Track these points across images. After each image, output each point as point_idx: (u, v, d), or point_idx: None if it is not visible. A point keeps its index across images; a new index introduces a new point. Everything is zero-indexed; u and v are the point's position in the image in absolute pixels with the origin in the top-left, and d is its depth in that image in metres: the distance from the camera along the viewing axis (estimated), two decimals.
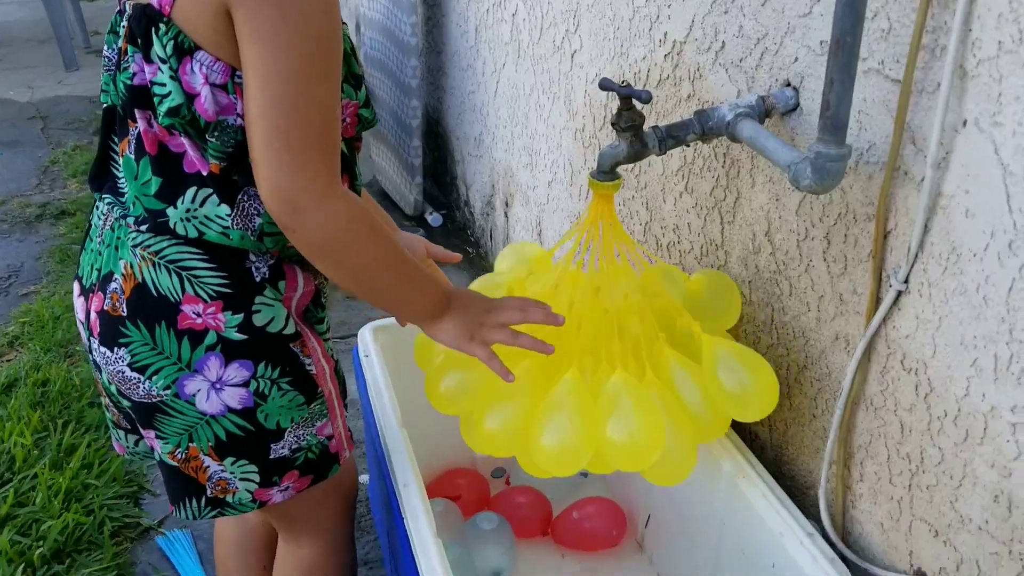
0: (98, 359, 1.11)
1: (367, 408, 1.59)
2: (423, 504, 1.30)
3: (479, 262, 3.04)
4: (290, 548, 1.33)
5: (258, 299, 1.07)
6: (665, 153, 1.26)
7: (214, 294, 1.05)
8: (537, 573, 1.74)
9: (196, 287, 1.04)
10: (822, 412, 1.32)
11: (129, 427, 1.25)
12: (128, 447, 1.29)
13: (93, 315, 1.10)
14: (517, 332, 1.15)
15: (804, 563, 1.23)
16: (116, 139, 1.09)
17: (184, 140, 1.00)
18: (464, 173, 3.14)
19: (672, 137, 1.24)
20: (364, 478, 2.06)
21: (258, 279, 1.07)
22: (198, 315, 1.05)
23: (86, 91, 4.91)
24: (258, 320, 1.07)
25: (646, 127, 1.25)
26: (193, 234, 1.03)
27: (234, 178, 1.02)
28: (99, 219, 1.12)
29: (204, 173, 1.01)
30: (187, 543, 1.92)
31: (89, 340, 1.12)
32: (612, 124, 1.23)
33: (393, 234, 1.43)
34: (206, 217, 1.02)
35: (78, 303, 1.15)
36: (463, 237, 3.20)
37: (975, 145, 0.98)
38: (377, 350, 1.66)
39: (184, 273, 1.04)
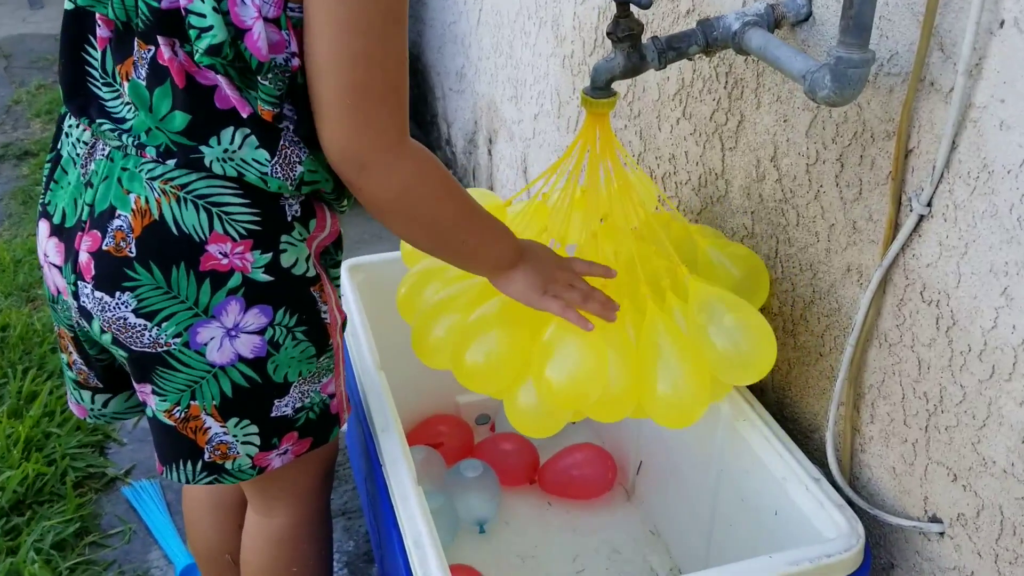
0: (90, 305, 0.98)
1: (344, 351, 1.49)
2: (403, 451, 1.21)
3: None
4: (259, 518, 1.23)
5: (284, 238, 0.97)
6: (664, 67, 1.15)
7: (244, 232, 0.95)
8: (523, 523, 1.66)
9: (227, 224, 0.94)
10: (830, 350, 1.23)
11: (100, 386, 1.14)
12: (92, 409, 1.17)
13: (84, 256, 0.97)
14: (587, 293, 1.12)
15: (809, 510, 1.15)
16: (91, 50, 0.95)
17: (220, 77, 0.89)
18: (445, 110, 3.00)
19: (673, 49, 1.13)
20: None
21: (289, 217, 0.97)
22: (224, 255, 0.95)
23: (51, 29, 4.70)
24: (285, 260, 0.98)
25: (644, 38, 1.13)
26: (232, 173, 0.93)
27: (280, 125, 0.92)
28: (79, 148, 0.99)
29: (244, 115, 0.90)
30: (155, 494, 1.83)
31: (76, 285, 0.99)
32: (608, 34, 1.12)
33: None
34: (243, 161, 0.92)
35: (49, 244, 1.02)
36: None
37: (1013, 48, 0.87)
38: (353, 289, 1.56)
39: (215, 209, 0.93)
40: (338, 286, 1.10)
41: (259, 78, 0.87)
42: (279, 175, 0.93)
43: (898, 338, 1.10)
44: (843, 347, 1.20)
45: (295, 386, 1.04)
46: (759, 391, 1.41)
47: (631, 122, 1.67)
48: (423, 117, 3.29)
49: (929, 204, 1.01)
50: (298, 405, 1.06)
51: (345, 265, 1.61)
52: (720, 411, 1.32)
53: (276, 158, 0.92)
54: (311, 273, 1.01)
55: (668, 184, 1.57)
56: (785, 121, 1.23)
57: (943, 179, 0.99)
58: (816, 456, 1.27)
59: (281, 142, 0.92)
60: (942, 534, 1.08)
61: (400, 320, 1.70)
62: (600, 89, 1.15)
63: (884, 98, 1.05)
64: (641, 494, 1.68)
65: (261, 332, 0.99)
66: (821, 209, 1.19)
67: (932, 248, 1.02)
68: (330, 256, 1.07)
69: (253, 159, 0.92)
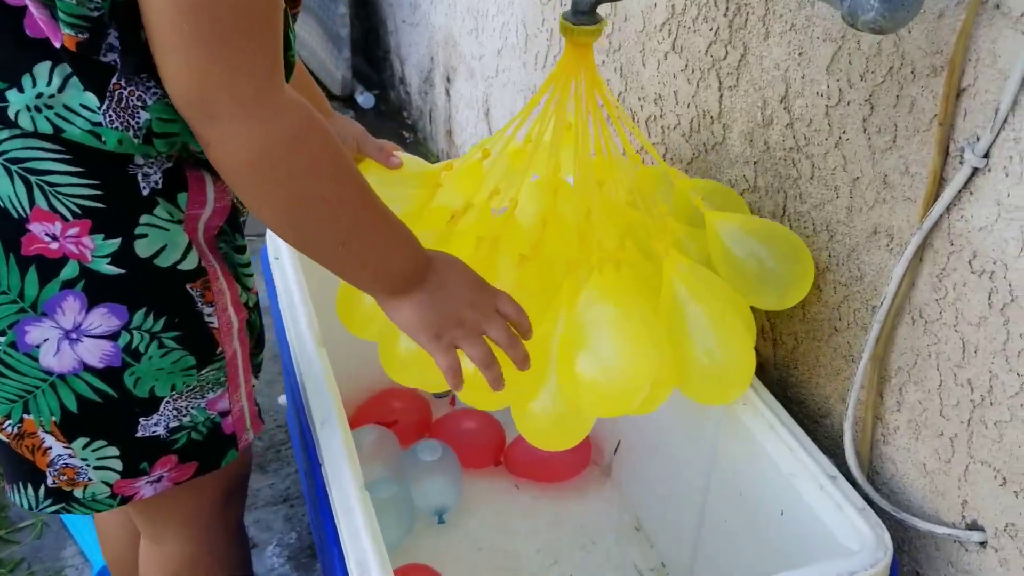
0: None
1: (278, 321, 1.28)
2: (346, 450, 1.01)
3: (417, 148, 2.69)
4: (150, 545, 1.03)
5: (144, 218, 0.76)
6: None
7: (79, 210, 0.74)
8: (487, 511, 1.48)
9: (52, 198, 0.73)
10: (848, 325, 1.05)
11: None
12: None
13: None
14: (491, 353, 0.87)
15: (824, 511, 0.99)
16: None
17: None
18: (398, 45, 2.75)
19: None
20: (283, 399, 1.77)
21: (146, 191, 0.76)
22: (53, 237, 0.74)
23: None
24: (142, 248, 0.77)
25: None
26: (46, 129, 0.70)
27: (104, 58, 0.68)
28: None
29: (57, 45, 0.67)
30: None
31: None
32: None
33: (327, 119, 1.13)
34: (66, 108, 0.70)
35: None
36: (398, 120, 2.84)
37: None
38: (292, 254, 1.34)
39: (34, 179, 0.72)
40: (249, 275, 0.89)
41: None
42: (116, 124, 0.71)
43: (937, 314, 0.92)
44: (864, 322, 1.02)
45: (167, 402, 0.84)
46: (759, 367, 1.23)
47: (609, 57, 1.46)
48: (374, 53, 3.03)
49: (987, 155, 0.83)
50: (173, 424, 0.86)
51: None
52: None
53: (108, 101, 0.69)
54: (189, 266, 0.80)
55: (653, 129, 1.37)
56: (800, 54, 1.03)
57: (1007, 124, 0.80)
58: (827, 446, 1.11)
59: (114, 79, 0.69)
60: (983, 544, 0.92)
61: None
62: (584, 14, 0.94)
63: (931, 25, 0.86)
64: (620, 477, 1.51)
65: (112, 337, 0.78)
66: (843, 159, 1.00)
67: (988, 208, 0.84)
68: (227, 240, 0.85)
69: (82, 106, 0.69)
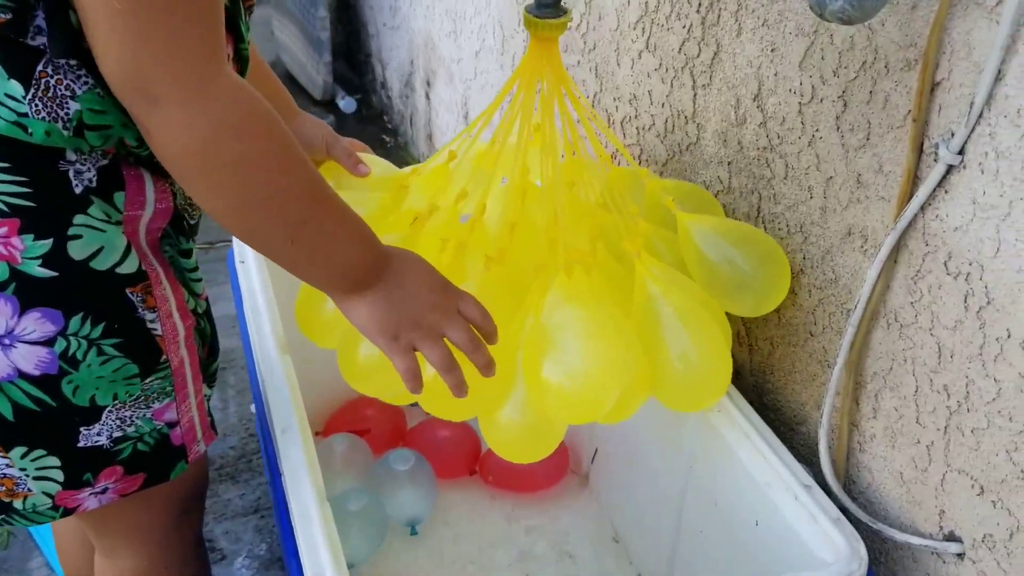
0: None
1: (243, 327, 1.25)
2: (307, 460, 0.98)
3: (398, 153, 2.66)
4: (103, 559, 0.99)
5: (79, 218, 0.72)
6: None
7: (6, 208, 0.70)
8: (462, 519, 1.45)
9: None
10: (823, 329, 1.02)
11: None
12: None
13: None
14: (454, 356, 0.83)
15: (798, 521, 0.96)
16: None
17: None
18: (379, 49, 2.72)
19: None
20: (254, 408, 1.73)
21: (79, 189, 0.72)
22: None
23: None
24: (76, 250, 0.73)
25: None
26: None
27: (32, 42, 0.64)
28: None
29: None
30: None
31: None
32: None
33: (293, 119, 1.08)
34: None
35: None
36: (380, 124, 2.81)
37: None
38: (256, 255, 1.31)
39: None
40: (197, 280, 0.85)
41: None
42: (43, 115, 0.67)
43: (912, 318, 0.89)
44: (840, 326, 1.00)
45: (109, 411, 0.80)
46: (735, 373, 1.20)
47: (585, 57, 1.43)
48: (355, 57, 3.01)
49: (961, 152, 0.80)
50: (117, 434, 0.82)
51: None
52: None
53: (34, 90, 0.66)
54: (128, 269, 0.76)
55: (628, 130, 1.34)
56: (773, 51, 1.00)
57: (982, 119, 0.77)
58: (803, 453, 1.08)
59: (40, 67, 0.65)
60: (961, 556, 0.89)
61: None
62: (548, 7, 0.91)
63: (904, 17, 0.83)
64: (598, 486, 1.48)
65: (48, 343, 0.74)
66: (816, 158, 0.97)
67: (963, 207, 0.81)
68: (171, 244, 0.81)
69: (6, 95, 0.65)
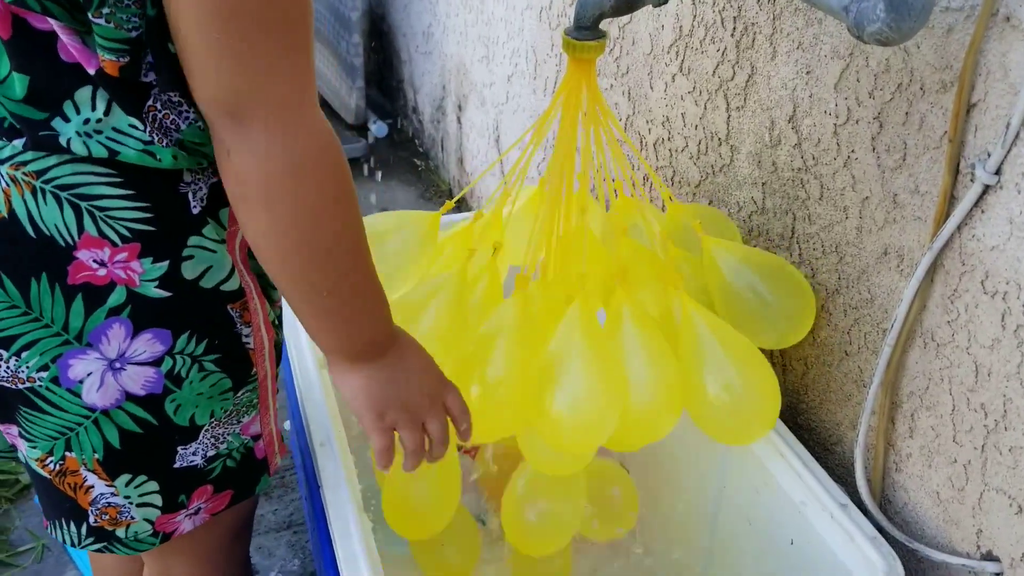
0: None
1: (274, 378, 1.27)
2: (345, 471, 0.99)
3: (428, 176, 2.69)
4: None
5: (193, 240, 0.74)
6: (665, 2, 0.94)
7: (128, 234, 0.71)
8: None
9: (101, 223, 0.70)
10: (858, 349, 1.03)
11: None
12: None
13: None
14: (428, 444, 0.84)
15: (835, 541, 0.96)
16: None
17: (49, 18, 0.64)
18: (411, 75, 2.77)
19: None
20: (288, 425, 1.75)
21: (196, 209, 0.74)
22: (101, 263, 0.72)
23: None
24: (189, 270, 0.75)
25: None
26: (100, 153, 0.68)
27: (145, 78, 0.67)
28: None
29: (91, 71, 0.66)
30: None
31: None
32: None
33: None
34: (116, 130, 0.68)
35: None
36: (411, 148, 2.85)
37: None
38: None
39: (84, 204, 0.70)
40: (274, 288, 0.85)
41: (90, 15, 0.62)
42: (164, 142, 0.69)
43: (949, 337, 0.90)
44: (875, 346, 1.00)
45: (206, 430, 0.82)
46: None
47: (618, 80, 1.45)
48: (388, 83, 3.05)
49: (998, 172, 0.81)
50: (211, 453, 0.84)
51: None
52: None
53: (147, 125, 0.68)
54: (231, 286, 0.78)
55: (661, 152, 1.36)
56: (808, 73, 1.02)
57: (1018, 140, 0.78)
58: (838, 473, 1.08)
59: (149, 102, 0.68)
60: (999, 575, 0.89)
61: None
62: (586, 29, 0.93)
63: (939, 40, 0.84)
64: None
65: (156, 363, 0.76)
66: (852, 179, 0.98)
67: (1000, 227, 0.82)
68: None
69: (130, 126, 0.68)
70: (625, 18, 1.38)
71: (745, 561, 1.13)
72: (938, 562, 0.94)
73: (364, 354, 0.77)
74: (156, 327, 0.75)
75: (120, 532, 0.83)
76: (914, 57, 0.88)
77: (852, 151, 0.98)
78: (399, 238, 1.11)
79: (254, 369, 0.83)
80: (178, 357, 0.77)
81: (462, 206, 2.48)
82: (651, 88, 1.36)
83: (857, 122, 0.96)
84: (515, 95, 1.94)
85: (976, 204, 0.83)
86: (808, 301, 1.04)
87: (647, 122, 1.39)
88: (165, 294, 0.74)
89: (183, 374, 0.78)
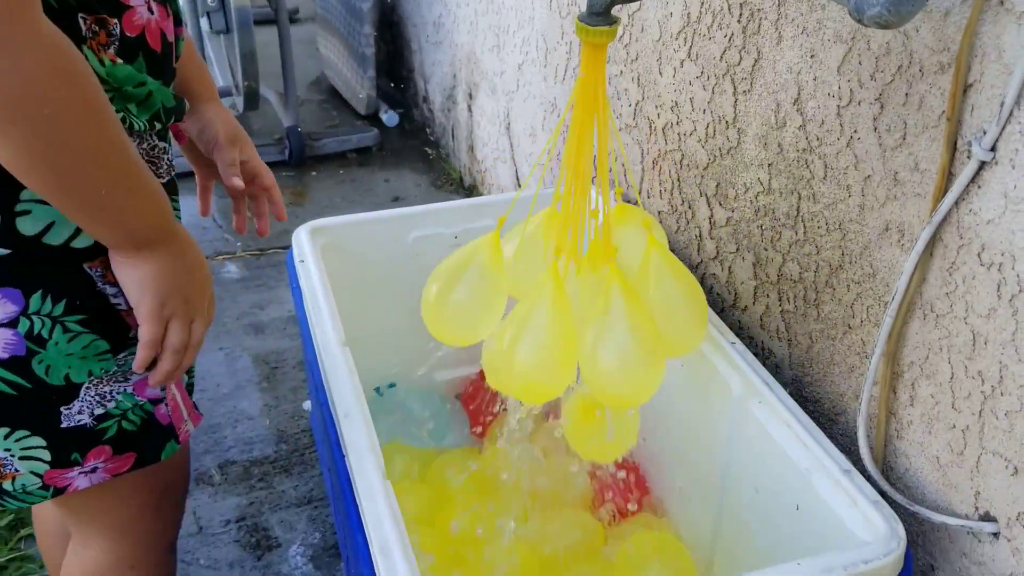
0: None
1: (304, 323, 1.31)
2: (369, 441, 1.04)
3: (439, 164, 2.74)
4: (75, 547, 0.99)
5: (26, 194, 0.73)
6: None
7: None
8: None
9: None
10: (861, 322, 1.07)
11: None
12: None
13: None
14: (190, 343, 0.82)
15: (839, 505, 1.00)
16: None
17: None
18: (422, 64, 2.81)
19: None
20: (307, 405, 1.80)
21: None
22: None
23: None
24: (26, 225, 0.74)
25: None
26: None
27: None
28: None
29: None
30: None
31: None
32: None
33: (207, 103, 1.03)
34: None
35: None
36: (422, 137, 2.89)
37: None
38: (315, 254, 1.38)
39: None
40: None
41: None
42: None
43: (947, 308, 0.94)
44: (877, 318, 1.04)
45: (87, 388, 0.82)
46: (774, 367, 1.25)
47: (627, 67, 1.49)
48: (398, 73, 3.09)
49: (993, 148, 0.84)
50: (99, 411, 0.84)
51: (306, 228, 1.44)
52: (730, 390, 1.16)
53: None
54: (84, 243, 0.77)
55: (670, 136, 1.40)
56: (812, 57, 1.06)
57: (1012, 118, 0.82)
58: (842, 443, 1.12)
59: None
60: (996, 535, 0.93)
61: (372, 288, 1.54)
62: (598, 15, 0.97)
63: (937, 23, 0.88)
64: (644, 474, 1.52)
65: (11, 324, 0.76)
66: (854, 158, 1.03)
67: (995, 201, 0.86)
68: None
69: None
70: (634, 5, 1.42)
71: (752, 526, 1.17)
72: (938, 524, 0.99)
73: (150, 241, 0.76)
74: (3, 286, 0.74)
75: (7, 485, 0.83)
76: (913, 40, 0.91)
77: (855, 131, 1.02)
78: (465, 287, 1.13)
79: (132, 332, 0.82)
80: (35, 318, 0.76)
81: (474, 194, 2.52)
82: (660, 74, 1.40)
83: (859, 103, 1.00)
84: (526, 83, 1.98)
85: (973, 180, 0.87)
86: (701, 323, 1.13)
87: (656, 107, 1.43)
88: (4, 251, 0.73)
89: (44, 334, 0.77)
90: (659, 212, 1.48)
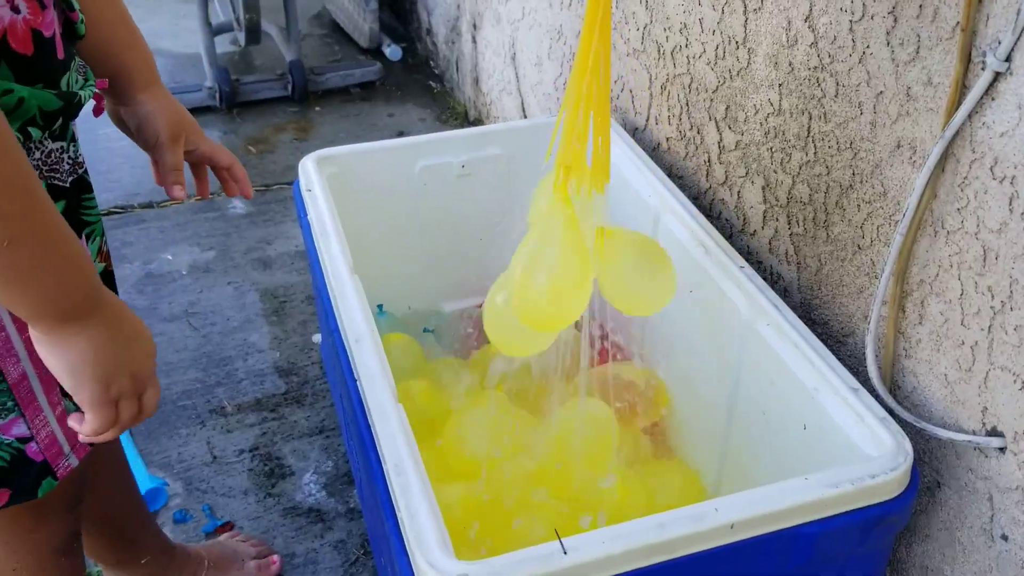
0: None
1: (312, 252, 1.32)
2: (380, 363, 1.05)
3: (444, 98, 2.71)
4: None
5: None
6: None
7: None
8: None
9: None
10: (871, 242, 1.07)
11: None
12: None
13: None
14: (141, 409, 0.76)
15: (846, 423, 1.01)
16: None
17: None
18: None
19: None
20: (317, 337, 1.81)
21: None
22: None
23: None
24: None
25: None
26: None
27: None
28: None
29: None
30: None
31: None
32: None
33: (147, 89, 0.95)
34: None
35: None
36: (425, 71, 2.85)
37: None
38: (322, 183, 1.37)
39: None
40: None
41: None
42: None
43: (958, 224, 0.93)
44: (887, 238, 1.04)
45: None
46: (783, 291, 1.25)
47: None
48: (401, 6, 3.04)
49: (1008, 59, 0.83)
50: None
51: (313, 157, 1.43)
52: (738, 312, 1.16)
53: None
54: None
55: (679, 59, 1.38)
56: None
57: None
58: (851, 364, 1.12)
59: None
60: (1003, 449, 0.94)
61: (378, 218, 1.54)
62: None
63: None
64: None
65: None
66: (867, 75, 1.01)
67: (1009, 113, 0.85)
68: None
69: None
70: None
71: (761, 448, 1.18)
72: (945, 440, 0.99)
73: (76, 310, 0.67)
74: None
75: None
76: None
77: (867, 47, 1.00)
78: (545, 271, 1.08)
79: None
80: None
81: (476, 124, 2.50)
82: None
83: (872, 17, 0.98)
84: (531, 10, 1.95)
85: (987, 92, 0.86)
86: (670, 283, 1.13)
87: (664, 30, 1.40)
88: None
89: None
90: (667, 138, 1.47)
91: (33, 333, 0.68)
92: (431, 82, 2.79)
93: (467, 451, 1.31)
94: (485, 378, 1.46)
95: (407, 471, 0.92)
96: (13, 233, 0.60)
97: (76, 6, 0.79)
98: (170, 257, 2.03)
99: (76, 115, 0.80)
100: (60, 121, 0.77)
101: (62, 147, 0.80)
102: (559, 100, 1.87)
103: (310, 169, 1.40)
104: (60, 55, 0.76)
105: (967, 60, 0.88)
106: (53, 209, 0.64)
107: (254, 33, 2.55)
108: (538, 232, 1.05)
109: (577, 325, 1.14)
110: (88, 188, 0.85)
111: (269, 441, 1.60)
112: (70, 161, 0.81)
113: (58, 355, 0.69)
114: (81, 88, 0.79)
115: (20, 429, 0.81)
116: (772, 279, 1.27)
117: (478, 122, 2.50)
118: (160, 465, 1.55)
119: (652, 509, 0.95)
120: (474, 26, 2.35)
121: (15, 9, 0.70)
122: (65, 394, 0.82)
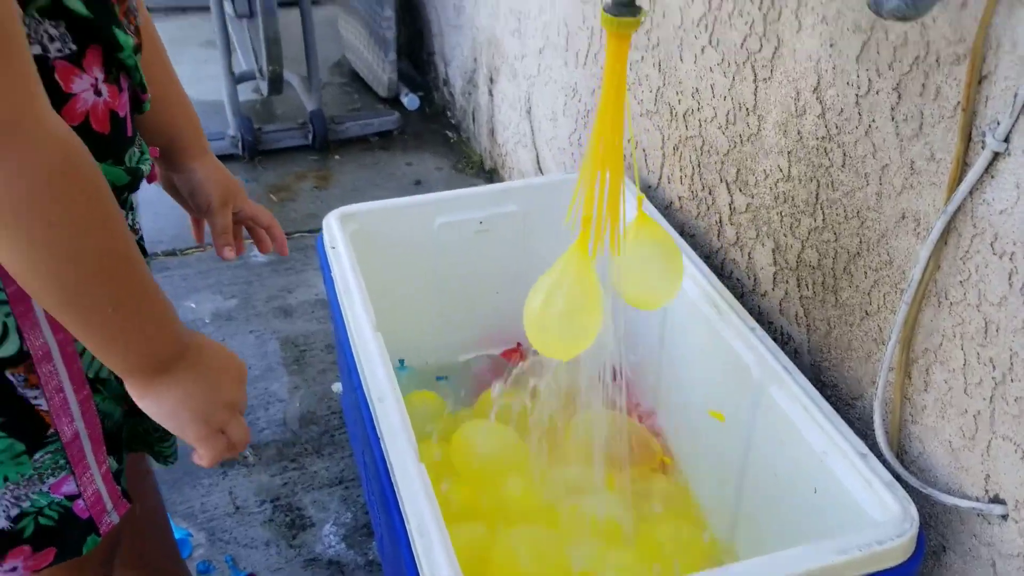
0: None
1: (335, 308, 1.35)
2: (402, 422, 1.08)
3: (460, 147, 2.76)
4: None
5: None
6: None
7: None
8: None
9: None
10: (877, 309, 1.10)
11: None
12: None
13: None
14: (241, 438, 0.81)
15: (854, 487, 1.03)
16: None
17: None
18: (442, 48, 2.83)
19: None
20: (337, 387, 1.85)
21: None
22: None
23: None
24: None
25: None
26: None
27: None
28: None
29: None
30: None
31: None
32: None
33: (196, 159, 1.01)
34: None
35: None
36: (442, 120, 2.91)
37: None
38: (345, 240, 1.42)
39: None
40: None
41: None
42: None
43: (961, 296, 0.96)
44: (893, 305, 1.07)
45: (2, 494, 0.78)
46: (793, 353, 1.28)
47: (649, 53, 1.51)
48: (419, 56, 3.11)
49: (1007, 139, 0.86)
50: (14, 512, 0.79)
51: (336, 214, 1.47)
52: (750, 374, 1.19)
53: None
54: (7, 352, 0.71)
55: (691, 122, 1.42)
56: (832, 46, 1.07)
57: None
58: (859, 427, 1.15)
59: None
60: (1005, 517, 0.96)
61: (399, 273, 1.58)
62: (624, 5, 0.99)
63: (954, 14, 0.90)
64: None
65: None
66: (872, 147, 1.05)
67: (1007, 192, 0.88)
68: None
69: None
70: None
71: (771, 508, 1.20)
72: (949, 505, 1.02)
73: (169, 361, 0.72)
74: None
75: None
76: (930, 30, 0.93)
77: (873, 120, 1.04)
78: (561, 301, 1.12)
79: (51, 430, 0.78)
80: None
81: (494, 177, 2.55)
82: (681, 60, 1.41)
83: (877, 93, 1.02)
84: (546, 67, 2.00)
85: (986, 170, 0.89)
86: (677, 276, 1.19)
87: (677, 93, 1.45)
88: None
89: None
90: (679, 197, 1.50)
91: (130, 386, 0.73)
92: (448, 132, 2.84)
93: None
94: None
95: (430, 532, 0.95)
96: (118, 298, 0.66)
97: (146, 87, 0.83)
98: (193, 305, 2.08)
99: (138, 188, 0.83)
100: (125, 195, 0.81)
101: (125, 218, 0.83)
102: (574, 155, 1.92)
103: (334, 226, 1.44)
104: (129, 132, 0.81)
105: (968, 138, 0.91)
106: (146, 271, 0.70)
107: (277, 83, 2.62)
108: (555, 268, 1.09)
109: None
110: (144, 253, 0.89)
111: (290, 491, 1.63)
112: (129, 227, 0.84)
113: (157, 404, 0.73)
114: (139, 162, 0.83)
115: (70, 487, 0.83)
116: (783, 340, 1.30)
117: (494, 172, 2.55)
118: (184, 515, 1.58)
119: (665, 569, 0.97)
120: (491, 79, 2.41)
121: (98, 92, 0.74)
122: (111, 452, 0.85)
